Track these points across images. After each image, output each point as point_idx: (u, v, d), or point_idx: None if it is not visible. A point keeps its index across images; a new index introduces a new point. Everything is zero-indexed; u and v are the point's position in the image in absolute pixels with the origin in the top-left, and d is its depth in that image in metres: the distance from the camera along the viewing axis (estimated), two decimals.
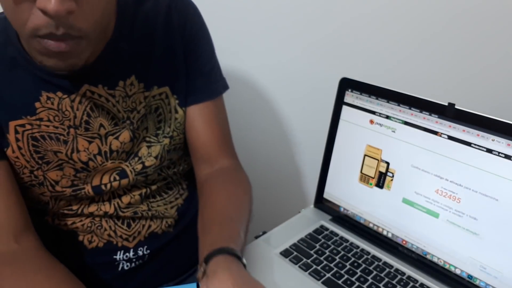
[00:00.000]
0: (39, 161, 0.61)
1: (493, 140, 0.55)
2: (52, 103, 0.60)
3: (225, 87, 0.75)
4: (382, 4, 0.90)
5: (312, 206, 0.78)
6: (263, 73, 1.03)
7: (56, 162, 0.62)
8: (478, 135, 0.56)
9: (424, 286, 0.61)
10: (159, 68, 0.66)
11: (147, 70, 0.65)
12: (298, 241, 0.68)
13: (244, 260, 0.53)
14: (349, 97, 0.69)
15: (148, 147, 0.67)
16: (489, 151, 0.56)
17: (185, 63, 0.68)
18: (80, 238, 0.68)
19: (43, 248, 0.61)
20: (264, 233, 0.71)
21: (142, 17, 0.65)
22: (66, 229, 0.67)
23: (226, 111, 0.75)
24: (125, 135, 0.64)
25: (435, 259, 0.63)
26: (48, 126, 0.60)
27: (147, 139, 0.67)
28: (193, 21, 0.69)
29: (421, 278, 0.62)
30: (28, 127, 0.60)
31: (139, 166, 0.67)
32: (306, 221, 0.74)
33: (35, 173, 0.62)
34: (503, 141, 0.55)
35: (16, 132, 0.60)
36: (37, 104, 0.59)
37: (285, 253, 0.65)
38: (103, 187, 0.65)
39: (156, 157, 0.68)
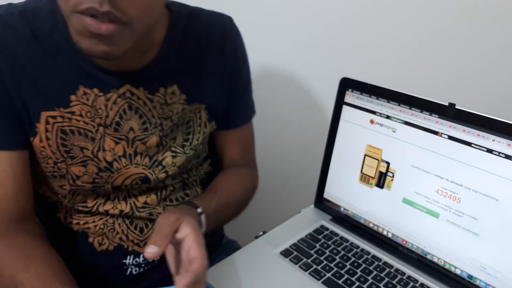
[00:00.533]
0: (64, 154, 0.60)
1: (493, 140, 0.55)
2: (87, 99, 0.59)
3: (254, 111, 0.80)
4: (383, 4, 0.90)
5: (312, 206, 0.78)
6: (263, 73, 1.03)
7: (81, 158, 0.61)
8: (478, 135, 0.56)
9: (424, 286, 0.61)
10: (205, 86, 0.68)
11: (192, 85, 0.66)
12: (298, 241, 0.68)
13: (199, 209, 0.62)
14: (350, 97, 0.69)
15: (174, 157, 0.67)
16: (490, 151, 0.56)
17: (228, 87, 0.71)
18: (90, 239, 0.67)
19: (43, 239, 0.60)
20: (264, 233, 0.71)
21: (194, 33, 0.66)
22: (77, 228, 0.66)
23: (253, 127, 0.81)
24: (153, 141, 0.64)
25: (435, 259, 0.63)
26: (78, 120, 0.60)
27: (173, 148, 0.67)
28: (242, 49, 0.73)
29: (421, 278, 0.62)
30: (59, 119, 0.59)
31: (163, 175, 0.66)
32: (306, 221, 0.74)
33: (58, 165, 0.61)
34: (504, 141, 0.55)
35: (47, 123, 0.59)
36: (72, 97, 0.59)
37: (285, 253, 0.65)
38: (122, 187, 0.65)
39: (179, 167, 0.68)
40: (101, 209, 0.65)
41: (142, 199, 0.67)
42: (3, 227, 0.58)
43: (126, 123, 0.62)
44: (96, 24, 0.47)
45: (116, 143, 0.62)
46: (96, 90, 0.59)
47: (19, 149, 0.59)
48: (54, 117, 0.59)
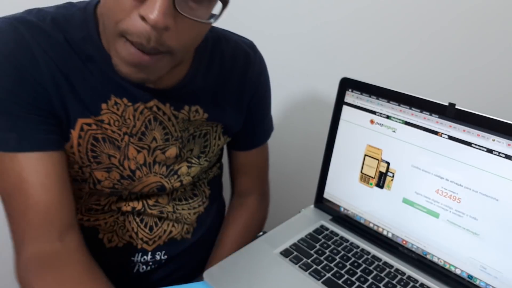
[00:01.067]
0: (91, 159, 0.61)
1: (493, 140, 0.55)
2: (118, 109, 0.60)
3: (272, 128, 0.82)
4: (383, 4, 0.90)
5: (312, 206, 0.78)
6: None
7: (106, 164, 0.62)
8: (478, 135, 0.56)
9: (424, 286, 0.61)
10: (223, 107, 0.70)
11: (213, 106, 0.68)
12: (298, 241, 0.68)
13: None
14: (350, 97, 0.69)
15: (189, 167, 0.69)
16: (490, 151, 0.56)
17: (247, 113, 0.74)
18: (100, 235, 0.67)
19: (83, 248, 0.59)
20: (264, 233, 0.71)
21: (219, 57, 0.68)
22: (87, 225, 0.67)
23: (267, 147, 0.83)
24: (172, 151, 0.66)
25: (435, 259, 0.63)
26: (106, 129, 0.60)
27: (189, 159, 0.69)
28: (265, 82, 0.76)
29: (421, 278, 0.62)
30: (94, 127, 0.59)
31: (178, 184, 0.68)
32: (306, 221, 0.74)
33: (83, 169, 0.61)
34: (504, 141, 0.55)
35: (81, 129, 0.59)
36: (103, 105, 0.59)
37: (285, 253, 0.65)
38: (139, 193, 0.66)
39: (193, 177, 0.70)
40: (113, 207, 0.66)
41: (153, 198, 0.69)
42: (47, 251, 0.54)
43: (151, 133, 0.63)
44: (139, 55, 0.50)
45: (138, 152, 0.63)
46: (125, 100, 0.60)
47: (61, 149, 0.58)
48: (89, 124, 0.59)
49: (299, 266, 0.63)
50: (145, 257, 0.69)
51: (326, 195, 0.75)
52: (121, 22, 0.49)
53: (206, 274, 0.61)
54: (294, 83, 1.04)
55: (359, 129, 0.68)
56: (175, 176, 0.68)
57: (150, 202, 0.68)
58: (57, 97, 0.56)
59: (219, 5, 0.52)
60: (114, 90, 0.59)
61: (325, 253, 0.66)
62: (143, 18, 0.47)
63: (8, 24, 0.55)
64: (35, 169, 0.54)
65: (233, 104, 0.71)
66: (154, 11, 0.46)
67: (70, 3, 0.61)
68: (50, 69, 0.55)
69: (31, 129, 0.54)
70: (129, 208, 0.67)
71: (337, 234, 0.70)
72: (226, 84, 0.69)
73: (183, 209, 0.72)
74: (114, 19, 0.49)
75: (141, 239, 0.69)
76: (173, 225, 0.71)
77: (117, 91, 0.60)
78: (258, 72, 0.73)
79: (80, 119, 0.59)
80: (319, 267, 0.63)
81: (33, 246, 0.54)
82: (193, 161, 0.69)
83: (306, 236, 0.69)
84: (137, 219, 0.68)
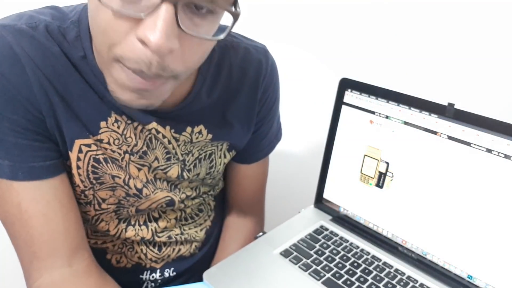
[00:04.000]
0: (93, 181, 0.56)
1: (492, 140, 0.55)
2: (118, 127, 0.55)
3: (279, 138, 0.77)
4: (383, 5, 0.90)
5: (312, 206, 0.78)
6: None
7: (110, 184, 0.58)
8: (477, 135, 0.56)
9: (424, 286, 0.61)
10: (230, 125, 0.65)
11: (218, 125, 0.63)
12: (298, 241, 0.68)
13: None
14: (349, 97, 0.69)
15: (190, 182, 0.66)
16: (489, 151, 0.56)
17: (255, 125, 0.69)
18: (108, 256, 0.66)
19: (94, 266, 0.56)
20: (264, 233, 0.71)
21: (227, 69, 0.62)
22: (95, 247, 0.65)
23: (268, 159, 0.79)
24: (173, 171, 0.62)
25: (435, 259, 0.63)
26: (106, 149, 0.55)
27: (193, 180, 0.66)
28: (275, 90, 0.70)
29: (421, 278, 0.62)
30: (93, 147, 0.54)
31: (183, 196, 0.66)
32: (306, 221, 0.74)
33: (86, 192, 0.57)
34: (503, 141, 0.55)
35: (80, 151, 0.54)
36: (102, 124, 0.54)
37: (285, 253, 0.65)
38: (147, 209, 0.63)
39: (193, 189, 0.68)
40: (122, 236, 0.64)
41: (162, 224, 0.66)
42: (57, 278, 0.52)
43: (152, 153, 0.59)
44: (140, 81, 0.43)
45: (139, 169, 0.59)
46: (125, 117, 0.55)
47: (59, 173, 0.53)
48: (88, 145, 0.54)
49: (299, 267, 0.63)
50: (153, 274, 0.68)
51: (326, 195, 0.75)
52: (115, 46, 0.42)
53: (206, 274, 0.61)
54: (294, 83, 1.04)
55: (359, 129, 0.68)
56: (177, 190, 0.65)
57: (159, 229, 0.66)
58: (52, 118, 0.51)
59: (225, 16, 0.46)
60: (114, 107, 0.54)
61: (325, 253, 0.66)
62: (142, 41, 0.40)
63: None
64: (34, 199, 0.50)
65: (242, 119, 0.66)
66: (155, 33, 0.38)
67: (59, 10, 0.54)
68: (42, 86, 0.49)
69: (26, 156, 0.50)
70: (138, 239, 0.65)
71: (337, 234, 0.70)
72: (235, 99, 0.63)
73: (189, 229, 0.71)
74: (107, 43, 0.42)
75: (150, 259, 0.67)
76: (181, 244, 0.70)
77: (117, 109, 0.55)
78: (268, 82, 0.67)
79: (78, 140, 0.53)
80: (319, 268, 0.63)
81: (41, 275, 0.52)
82: (195, 180, 0.66)
83: (306, 237, 0.69)
84: (147, 243, 0.67)
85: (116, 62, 0.43)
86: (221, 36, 0.45)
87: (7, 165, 0.49)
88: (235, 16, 0.44)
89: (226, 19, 0.70)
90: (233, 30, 0.57)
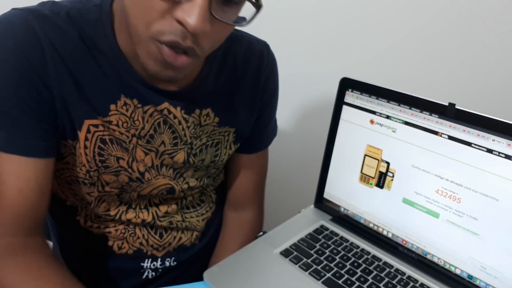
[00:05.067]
0: (99, 164, 0.59)
1: (493, 140, 0.55)
2: (127, 110, 0.58)
3: (276, 133, 0.80)
4: (383, 4, 0.90)
5: (312, 206, 0.78)
6: None
7: (115, 168, 0.60)
8: (478, 135, 0.56)
9: (424, 286, 0.61)
10: (236, 111, 0.69)
11: (224, 109, 0.67)
12: (298, 241, 0.68)
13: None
14: (349, 97, 0.69)
15: (195, 171, 0.68)
16: (490, 151, 0.56)
17: (257, 114, 0.72)
18: (110, 243, 0.67)
19: (50, 252, 0.59)
20: (264, 233, 0.71)
21: (232, 58, 0.67)
22: (97, 232, 0.66)
23: (268, 153, 0.81)
24: (180, 157, 0.64)
25: (435, 259, 0.63)
26: (114, 130, 0.59)
27: (198, 167, 0.68)
28: (275, 80, 0.74)
29: (421, 278, 0.62)
30: (100, 128, 0.58)
31: (185, 186, 0.67)
32: (306, 221, 0.74)
33: (91, 173, 0.60)
34: (504, 141, 0.55)
35: (88, 131, 0.57)
36: (112, 106, 0.58)
37: (285, 253, 0.65)
38: (148, 195, 0.65)
39: (198, 179, 0.69)
40: (123, 218, 0.65)
41: (163, 208, 0.68)
42: (14, 243, 0.55)
43: (159, 137, 0.62)
44: (173, 57, 0.49)
45: (146, 154, 0.62)
46: (135, 101, 0.59)
47: (47, 157, 0.56)
48: (96, 125, 0.57)
49: (299, 266, 0.63)
50: (154, 263, 0.69)
51: (326, 195, 0.75)
52: (153, 24, 0.47)
53: (206, 274, 0.61)
54: (294, 83, 1.04)
55: (359, 129, 0.68)
56: (181, 179, 0.66)
57: (160, 213, 0.67)
58: (62, 99, 0.55)
59: (246, 6, 0.51)
60: (125, 90, 0.58)
61: (325, 253, 0.66)
62: (180, 22, 0.46)
63: (20, 17, 0.52)
64: (16, 173, 0.53)
65: (246, 106, 0.70)
66: (193, 17, 0.44)
67: None
68: (57, 69, 0.53)
69: (23, 132, 0.53)
70: (139, 221, 0.66)
71: (337, 234, 0.70)
72: (239, 86, 0.68)
73: (191, 217, 0.72)
74: (144, 21, 0.47)
75: (151, 246, 0.68)
76: (182, 232, 0.71)
77: (127, 92, 0.58)
78: (269, 72, 0.72)
79: (87, 120, 0.57)
80: (319, 267, 0.63)
81: (1, 238, 0.55)
82: (202, 168, 0.68)
83: (306, 236, 0.69)
84: (148, 227, 0.68)
85: (153, 41, 0.48)
86: (245, 23, 0.51)
87: (3, 137, 0.52)
88: (258, 7, 0.50)
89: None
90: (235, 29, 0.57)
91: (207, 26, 0.46)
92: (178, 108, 0.62)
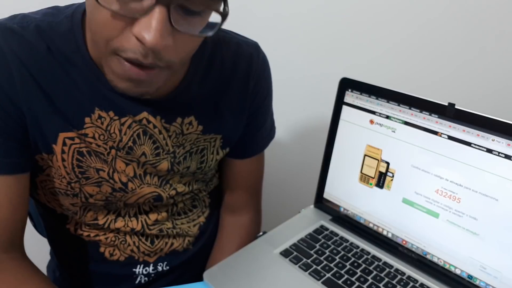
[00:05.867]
0: (79, 175, 0.59)
1: (493, 140, 0.55)
2: (102, 123, 0.57)
3: (273, 136, 0.78)
4: (383, 4, 0.90)
5: (312, 206, 0.78)
6: None
7: (95, 179, 0.59)
8: (478, 135, 0.56)
9: (424, 286, 0.61)
10: (222, 117, 0.66)
11: (209, 116, 0.64)
12: (298, 241, 0.68)
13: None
14: (349, 97, 0.69)
15: (181, 177, 0.66)
16: (489, 151, 0.56)
17: (247, 119, 0.70)
18: (102, 249, 0.66)
19: (30, 262, 0.59)
20: (264, 233, 0.71)
21: (219, 62, 0.64)
22: (88, 239, 0.66)
23: (264, 156, 0.79)
24: (163, 166, 0.63)
25: (435, 259, 0.63)
26: (91, 143, 0.58)
27: (184, 174, 0.66)
28: (266, 83, 0.71)
29: (421, 278, 0.62)
30: (76, 140, 0.57)
31: (173, 192, 0.66)
32: (306, 221, 0.74)
33: (72, 185, 0.59)
34: (503, 141, 0.55)
35: (64, 144, 0.56)
36: (87, 119, 0.56)
37: (285, 253, 0.65)
38: (135, 204, 0.64)
39: (185, 185, 0.68)
40: (112, 227, 0.65)
41: (153, 216, 0.67)
42: None
43: (139, 148, 0.60)
44: (136, 71, 0.46)
45: (127, 164, 0.60)
46: (111, 113, 0.57)
47: (18, 173, 0.55)
48: (71, 138, 0.57)
49: (299, 266, 0.63)
50: (146, 268, 0.69)
51: (326, 195, 0.75)
52: (113, 40, 0.45)
53: (206, 274, 0.61)
54: (294, 83, 1.04)
55: (359, 129, 0.68)
56: (168, 185, 0.65)
57: (149, 221, 0.66)
58: (32, 114, 0.53)
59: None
60: (100, 103, 0.56)
61: (325, 253, 0.66)
62: (139, 39, 0.43)
63: None
64: None
65: (234, 111, 0.67)
66: (151, 32, 0.42)
67: (57, 8, 0.57)
68: (25, 84, 0.52)
69: None
70: (128, 229, 0.65)
71: (337, 234, 0.70)
72: (227, 90, 0.65)
73: (182, 224, 0.71)
74: (104, 37, 0.45)
75: (143, 252, 0.68)
76: (174, 238, 0.70)
77: (102, 104, 0.56)
78: (260, 75, 0.68)
79: (62, 133, 0.56)
80: (319, 267, 0.63)
81: None
82: (187, 174, 0.67)
83: (306, 236, 0.69)
84: (138, 235, 0.67)
85: (114, 55, 0.46)
86: (210, 33, 0.48)
87: None
88: (224, 16, 0.47)
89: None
90: (235, 28, 0.58)
91: (167, 40, 0.43)
92: (158, 118, 0.59)
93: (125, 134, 0.58)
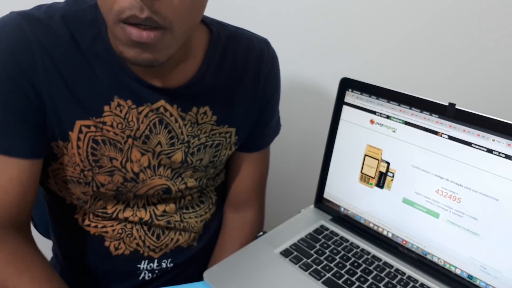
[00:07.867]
0: (92, 163, 0.60)
1: (493, 140, 0.55)
2: (121, 111, 0.59)
3: (278, 131, 0.79)
4: (383, 4, 0.90)
5: (312, 206, 0.78)
6: None
7: (108, 167, 0.61)
8: (478, 135, 0.56)
9: (424, 286, 0.61)
10: (235, 109, 0.68)
11: (223, 107, 0.66)
12: (298, 241, 0.68)
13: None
14: (350, 97, 0.69)
15: (194, 172, 0.68)
16: (490, 151, 0.56)
17: (258, 112, 0.72)
18: (107, 243, 0.67)
19: (35, 244, 0.60)
20: (264, 233, 0.71)
21: (232, 56, 0.66)
22: (94, 231, 0.66)
23: (269, 153, 0.80)
24: (178, 156, 0.64)
25: (435, 259, 0.63)
26: (109, 131, 0.59)
27: (197, 167, 0.67)
28: (276, 78, 0.73)
29: (421, 278, 0.62)
30: (92, 129, 0.58)
31: (183, 186, 0.67)
32: (306, 221, 0.74)
33: (85, 173, 0.60)
34: (504, 141, 0.55)
35: (80, 131, 0.58)
36: (106, 108, 0.58)
37: (285, 253, 0.65)
38: (144, 195, 0.65)
39: (197, 180, 0.69)
40: (120, 216, 0.65)
41: (161, 207, 0.68)
42: None
43: (155, 137, 0.62)
44: (138, 32, 0.48)
45: (142, 154, 0.62)
46: (129, 102, 0.59)
47: (32, 158, 0.57)
48: (88, 126, 0.58)
49: (299, 266, 0.63)
50: (151, 264, 0.69)
51: (326, 195, 0.75)
52: (114, 5, 0.47)
53: (206, 274, 0.61)
54: (294, 83, 1.04)
55: (359, 129, 0.68)
56: (180, 179, 0.66)
57: (158, 212, 0.67)
58: (52, 101, 0.55)
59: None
60: (119, 91, 0.58)
61: (325, 253, 0.66)
62: None
63: (13, 20, 0.54)
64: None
65: (246, 105, 0.69)
66: None
67: None
68: (48, 71, 0.54)
69: (8, 132, 0.54)
70: (136, 219, 0.66)
71: (337, 234, 0.70)
72: (239, 84, 0.67)
73: (190, 218, 0.71)
74: (107, 5, 0.48)
75: (148, 247, 0.68)
76: (180, 234, 0.71)
77: (121, 93, 0.58)
78: (270, 70, 0.71)
79: (79, 121, 0.57)
80: (319, 267, 0.63)
81: None
82: (200, 168, 0.68)
83: (306, 236, 0.69)
84: (145, 227, 0.68)
85: (118, 24, 0.48)
86: None
87: None
88: None
89: (215, 13, 0.70)
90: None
91: None
92: (175, 106, 0.61)
93: (142, 122, 0.60)
